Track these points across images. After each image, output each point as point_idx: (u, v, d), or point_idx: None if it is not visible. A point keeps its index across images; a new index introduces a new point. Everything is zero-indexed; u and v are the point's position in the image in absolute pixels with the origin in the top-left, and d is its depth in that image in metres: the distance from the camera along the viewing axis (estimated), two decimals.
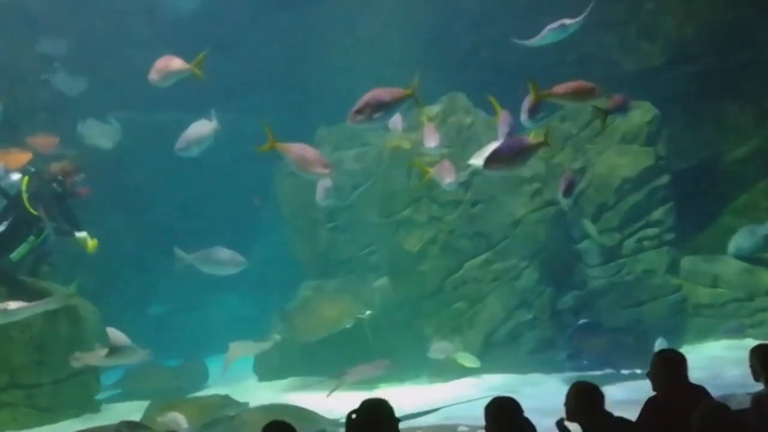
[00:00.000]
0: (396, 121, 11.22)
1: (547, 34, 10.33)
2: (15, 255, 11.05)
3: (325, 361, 12.51)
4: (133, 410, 11.88)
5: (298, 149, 9.51)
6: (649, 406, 5.76)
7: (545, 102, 9.61)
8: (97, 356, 10.86)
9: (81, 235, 11.32)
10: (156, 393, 11.96)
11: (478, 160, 9.78)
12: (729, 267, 12.64)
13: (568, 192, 10.71)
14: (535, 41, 10.39)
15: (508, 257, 12.48)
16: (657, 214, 12.77)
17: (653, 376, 5.82)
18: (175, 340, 14.16)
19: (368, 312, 12.44)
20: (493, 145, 9.75)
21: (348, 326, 12.25)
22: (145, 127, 15.11)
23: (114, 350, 10.41)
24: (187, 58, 14.85)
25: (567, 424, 5.52)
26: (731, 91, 13.20)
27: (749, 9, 13.00)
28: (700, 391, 5.70)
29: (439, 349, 11.91)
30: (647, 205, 12.77)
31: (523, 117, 9.77)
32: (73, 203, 11.45)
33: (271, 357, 13.17)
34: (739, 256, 12.71)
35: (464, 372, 12.16)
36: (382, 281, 13.19)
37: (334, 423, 9.53)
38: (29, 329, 11.45)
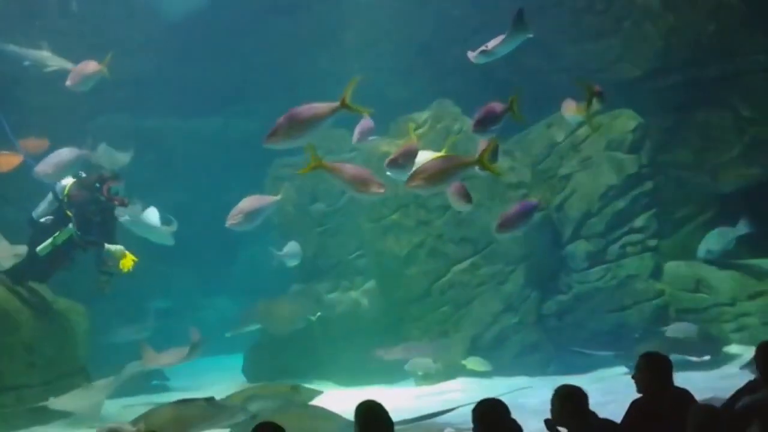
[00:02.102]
0: (364, 128, 10.06)
1: (475, 58, 9.57)
2: (40, 249, 10.99)
3: (314, 363, 12.68)
4: (123, 410, 11.99)
5: (351, 170, 8.71)
6: (634, 408, 5.87)
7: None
8: (174, 355, 11.53)
9: (113, 248, 11.04)
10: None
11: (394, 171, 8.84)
12: (711, 272, 12.85)
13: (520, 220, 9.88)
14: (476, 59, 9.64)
15: (495, 262, 12.66)
16: (640, 220, 13.00)
17: (639, 378, 5.93)
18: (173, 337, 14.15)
19: (318, 314, 13.08)
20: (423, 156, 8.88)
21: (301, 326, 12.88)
22: (134, 132, 15.13)
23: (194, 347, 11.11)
24: (178, 63, 15.04)
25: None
26: (714, 101, 13.40)
27: (732, 20, 13.19)
28: (685, 395, 5.83)
29: (418, 364, 12.10)
30: (631, 211, 13.00)
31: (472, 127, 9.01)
32: (111, 215, 11.22)
33: (261, 359, 13.29)
34: (709, 259, 12.89)
35: (450, 374, 12.33)
36: (370, 285, 13.34)
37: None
38: (19, 331, 11.46)
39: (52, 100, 13.61)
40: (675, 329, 12.00)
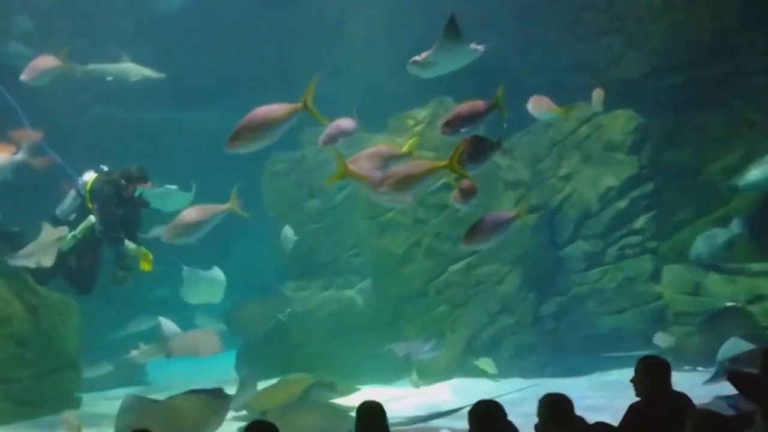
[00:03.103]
0: (334, 129, 9.38)
1: (410, 68, 9.05)
2: (62, 243, 10.76)
3: (308, 362, 12.58)
4: (113, 405, 11.91)
5: (379, 177, 8.31)
6: (632, 411, 5.80)
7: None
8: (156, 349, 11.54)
9: (132, 246, 10.87)
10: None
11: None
12: (710, 275, 12.74)
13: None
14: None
15: (492, 262, 12.54)
16: (640, 222, 12.91)
17: (637, 381, 5.86)
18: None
19: (288, 310, 13.30)
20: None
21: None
22: (127, 125, 15.04)
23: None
24: (174, 55, 14.92)
25: None
26: (715, 101, 13.32)
27: (733, 20, 13.13)
28: (682, 399, 5.76)
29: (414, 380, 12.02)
30: (630, 213, 12.91)
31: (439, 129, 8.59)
32: (135, 211, 11.03)
33: (254, 356, 13.20)
34: (700, 262, 12.78)
35: (446, 375, 12.23)
36: (366, 283, 13.23)
37: None
38: (9, 324, 11.37)
39: (46, 91, 13.47)
40: (660, 337, 12.01)
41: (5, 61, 13.63)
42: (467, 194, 8.81)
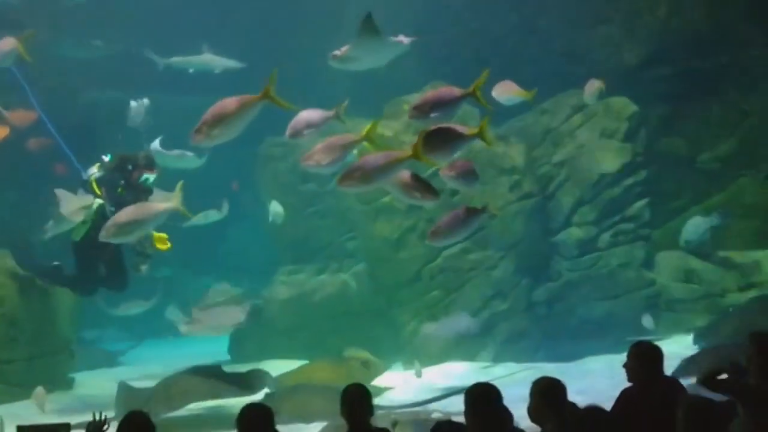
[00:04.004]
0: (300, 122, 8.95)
1: (331, 61, 9.30)
2: (74, 233, 10.59)
3: (302, 345, 12.61)
4: (106, 386, 11.95)
5: (405, 178, 8.27)
6: (624, 397, 5.82)
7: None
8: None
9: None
10: None
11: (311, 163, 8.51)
12: (702, 263, 12.80)
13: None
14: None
15: (486, 247, 12.59)
16: (633, 209, 12.94)
17: (629, 367, 5.86)
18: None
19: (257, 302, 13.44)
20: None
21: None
22: (119, 109, 14.97)
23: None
24: (172, 40, 14.87)
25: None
26: (711, 91, 13.33)
27: (731, 11, 13.15)
28: (674, 385, 5.78)
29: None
30: (624, 200, 12.93)
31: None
32: (143, 195, 10.66)
33: (247, 339, 13.22)
34: (688, 249, 12.85)
35: (438, 359, 12.27)
36: (360, 267, 13.25)
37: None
38: (2, 305, 11.43)
39: (42, 74, 13.42)
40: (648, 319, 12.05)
41: None
42: (461, 172, 8.68)
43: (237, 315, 12.19)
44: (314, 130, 8.78)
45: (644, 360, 5.82)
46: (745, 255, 12.70)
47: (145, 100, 13.64)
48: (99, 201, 10.57)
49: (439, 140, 7.93)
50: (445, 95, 8.14)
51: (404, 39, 9.74)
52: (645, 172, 13.05)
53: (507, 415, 5.34)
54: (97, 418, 5.34)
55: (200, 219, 12.36)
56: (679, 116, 13.56)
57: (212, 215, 12.71)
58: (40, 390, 10.13)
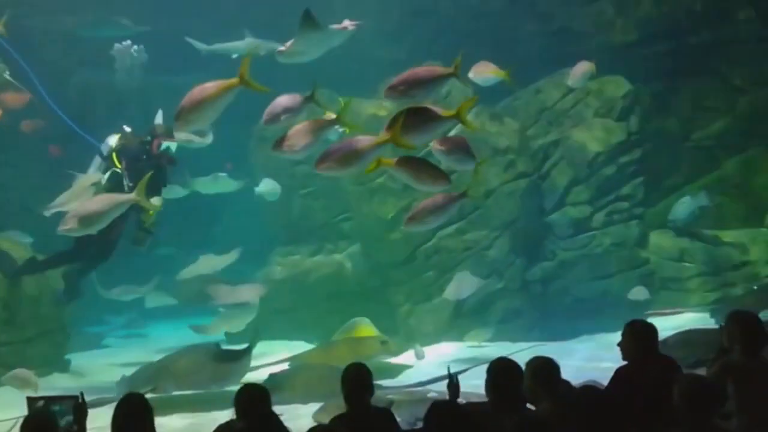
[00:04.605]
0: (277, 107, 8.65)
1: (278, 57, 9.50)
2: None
3: (296, 326, 12.63)
4: (103, 368, 12.01)
5: (414, 165, 8.30)
6: (619, 375, 5.84)
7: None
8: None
9: (156, 201, 10.58)
10: None
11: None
12: (696, 242, 12.84)
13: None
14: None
15: (480, 227, 12.59)
16: (627, 188, 12.96)
17: (623, 346, 5.89)
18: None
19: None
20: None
21: None
22: (113, 90, 14.89)
23: None
24: (161, 19, 14.77)
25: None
26: (705, 69, 13.32)
27: None
28: (669, 363, 5.80)
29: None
30: (618, 179, 12.95)
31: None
32: (161, 170, 10.72)
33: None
34: (676, 227, 12.91)
35: (434, 339, 12.31)
36: (355, 248, 13.26)
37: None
38: None
39: (31, 54, 13.34)
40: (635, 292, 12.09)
41: None
42: (453, 149, 8.54)
43: (254, 292, 12.19)
44: (291, 115, 8.61)
45: (638, 338, 5.86)
46: (739, 233, 12.75)
47: (129, 42, 13.52)
48: (114, 170, 10.46)
49: (416, 122, 7.79)
50: (422, 75, 7.99)
51: (349, 24, 9.79)
52: (639, 150, 13.07)
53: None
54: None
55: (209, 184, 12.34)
56: (672, 94, 13.57)
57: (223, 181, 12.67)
58: (20, 372, 9.63)
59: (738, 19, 13.19)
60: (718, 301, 12.23)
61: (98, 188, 10.36)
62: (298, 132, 8.39)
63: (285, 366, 10.86)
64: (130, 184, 10.29)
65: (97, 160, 10.89)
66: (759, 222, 12.82)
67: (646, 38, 13.52)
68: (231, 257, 13.23)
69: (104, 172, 10.68)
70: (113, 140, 10.77)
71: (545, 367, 5.44)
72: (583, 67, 11.79)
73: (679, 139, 13.54)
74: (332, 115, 8.54)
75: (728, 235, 12.78)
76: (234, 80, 7.73)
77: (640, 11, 13.56)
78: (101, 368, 12.12)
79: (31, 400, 5.72)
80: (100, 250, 10.92)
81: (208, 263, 13.17)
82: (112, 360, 12.76)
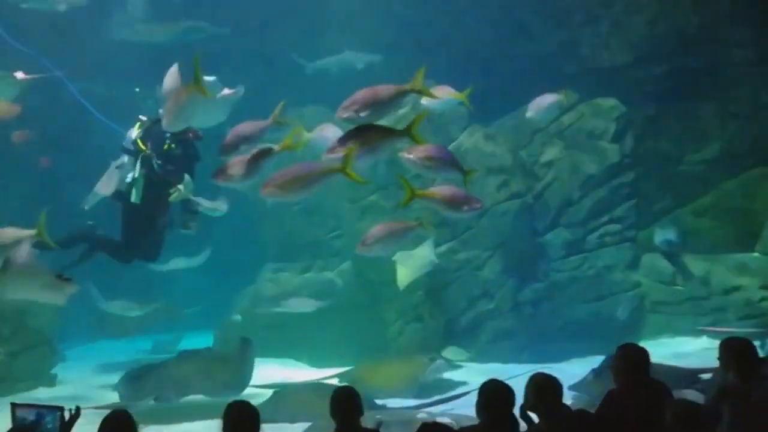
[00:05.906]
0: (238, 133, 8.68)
1: None
2: (134, 197, 10.27)
3: (287, 343, 12.55)
4: (90, 382, 11.92)
5: (447, 192, 8.58)
6: (609, 399, 5.81)
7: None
8: None
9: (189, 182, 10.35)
10: None
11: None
12: (688, 265, 12.83)
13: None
14: None
15: (473, 247, 12.57)
16: (620, 210, 12.98)
17: (615, 369, 5.88)
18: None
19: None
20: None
21: None
22: (105, 99, 14.84)
23: None
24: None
25: (530, 413, 5.56)
26: (698, 92, 13.35)
27: (717, 12, 13.17)
28: (660, 388, 5.78)
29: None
30: (611, 201, 12.97)
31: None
32: (191, 147, 10.55)
33: (233, 337, 13.11)
34: (659, 250, 12.95)
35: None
36: (346, 265, 13.20)
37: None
38: None
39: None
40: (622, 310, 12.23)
41: None
42: (424, 158, 8.37)
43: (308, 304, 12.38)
44: (250, 145, 8.55)
45: (630, 362, 5.83)
46: (731, 257, 12.73)
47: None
48: (147, 151, 10.33)
49: (361, 140, 7.76)
50: (378, 93, 7.92)
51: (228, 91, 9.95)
52: (632, 173, 13.10)
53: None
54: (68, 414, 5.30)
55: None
56: (666, 116, 13.59)
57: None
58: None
59: (731, 42, 13.23)
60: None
61: (123, 169, 10.34)
62: (241, 161, 8.43)
63: (334, 381, 10.71)
64: (159, 162, 10.22)
65: (112, 168, 10.57)
66: (751, 246, 12.81)
67: (639, 61, 13.57)
68: (200, 259, 13.73)
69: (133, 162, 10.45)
70: (133, 132, 10.59)
71: (549, 384, 5.44)
72: (548, 99, 11.53)
73: (672, 162, 13.55)
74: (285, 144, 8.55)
75: (720, 259, 12.77)
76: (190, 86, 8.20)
77: (634, 34, 13.61)
78: (90, 380, 12.05)
79: (15, 406, 5.62)
80: (146, 251, 10.91)
81: (179, 265, 13.60)
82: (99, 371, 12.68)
